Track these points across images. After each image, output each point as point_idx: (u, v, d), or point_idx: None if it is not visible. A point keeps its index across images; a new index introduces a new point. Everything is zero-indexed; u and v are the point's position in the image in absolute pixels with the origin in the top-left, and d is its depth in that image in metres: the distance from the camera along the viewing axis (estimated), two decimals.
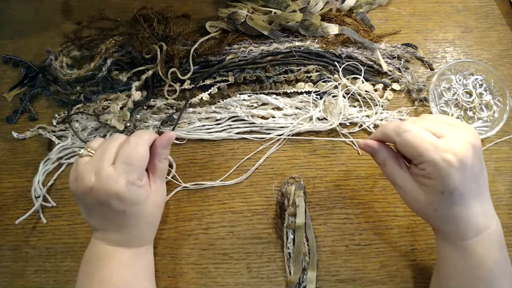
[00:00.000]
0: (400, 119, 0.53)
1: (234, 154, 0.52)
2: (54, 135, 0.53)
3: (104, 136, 0.53)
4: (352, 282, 0.47)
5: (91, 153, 0.41)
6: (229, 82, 0.54)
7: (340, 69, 0.54)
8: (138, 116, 0.53)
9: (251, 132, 0.53)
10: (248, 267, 0.47)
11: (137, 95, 0.52)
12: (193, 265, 0.48)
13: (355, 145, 0.52)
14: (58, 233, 0.49)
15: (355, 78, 0.54)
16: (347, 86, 0.53)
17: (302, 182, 0.50)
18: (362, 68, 0.55)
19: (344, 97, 0.53)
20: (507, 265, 0.38)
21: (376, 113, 0.53)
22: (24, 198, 0.51)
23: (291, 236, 0.46)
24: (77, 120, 0.54)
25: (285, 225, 0.47)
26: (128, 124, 0.51)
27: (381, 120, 0.53)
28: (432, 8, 0.61)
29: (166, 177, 0.49)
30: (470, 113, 0.54)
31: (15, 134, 0.53)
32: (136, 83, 0.52)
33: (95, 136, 0.53)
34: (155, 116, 0.54)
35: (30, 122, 0.55)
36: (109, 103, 0.54)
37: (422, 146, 0.35)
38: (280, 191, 0.49)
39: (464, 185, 0.34)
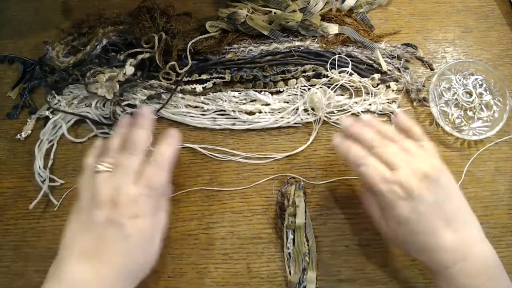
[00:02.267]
0: (389, 105, 0.54)
1: (234, 155, 0.52)
2: (48, 111, 0.54)
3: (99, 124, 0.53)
4: (352, 282, 0.47)
5: (110, 169, 0.39)
6: (225, 80, 0.55)
7: (329, 62, 0.54)
8: (129, 89, 0.54)
9: (234, 124, 0.53)
10: (248, 267, 0.47)
11: (129, 69, 0.52)
12: (193, 265, 0.48)
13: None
14: (58, 233, 0.49)
15: (342, 72, 0.54)
16: (338, 80, 0.54)
17: (302, 182, 0.50)
18: (349, 61, 0.55)
19: (328, 87, 0.53)
20: None
21: (364, 100, 0.53)
22: (24, 198, 0.51)
23: (291, 236, 0.46)
24: (71, 92, 0.55)
25: (285, 225, 0.47)
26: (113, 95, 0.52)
27: (370, 105, 0.54)
28: (432, 8, 0.61)
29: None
30: (470, 113, 0.54)
31: (19, 136, 0.53)
32: (132, 60, 0.53)
33: (85, 104, 0.54)
34: (145, 91, 0.55)
35: (30, 116, 0.55)
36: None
37: (373, 179, 0.38)
38: (280, 191, 0.49)
39: (417, 215, 0.36)
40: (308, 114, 0.53)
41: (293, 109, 0.53)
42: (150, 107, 0.52)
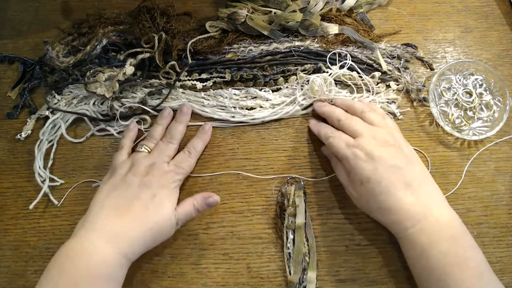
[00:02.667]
0: (388, 105, 0.54)
1: (234, 154, 0.52)
2: (48, 111, 0.54)
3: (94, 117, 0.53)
4: (352, 282, 0.47)
5: (148, 149, 0.48)
6: (225, 79, 0.55)
7: (328, 56, 0.55)
8: (129, 88, 0.55)
9: (233, 117, 0.53)
10: (248, 267, 0.47)
11: (129, 69, 0.52)
12: (193, 265, 0.48)
13: None
14: (58, 233, 0.49)
15: (342, 67, 0.54)
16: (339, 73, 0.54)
17: (302, 182, 0.50)
18: (348, 53, 0.55)
19: (329, 76, 0.53)
20: (464, 256, 0.37)
21: (364, 97, 0.54)
22: (24, 198, 0.51)
23: (291, 236, 0.46)
24: (70, 92, 0.55)
25: (285, 225, 0.47)
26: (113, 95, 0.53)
27: (370, 102, 0.54)
28: (432, 8, 0.61)
29: None
30: (470, 113, 0.54)
31: (19, 136, 0.53)
32: (132, 60, 0.53)
33: (85, 103, 0.55)
34: (145, 89, 0.55)
35: (30, 116, 0.55)
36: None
37: (338, 147, 0.44)
38: (280, 191, 0.49)
39: (377, 175, 0.39)
40: (306, 99, 0.54)
41: (292, 100, 0.54)
42: (188, 105, 0.54)
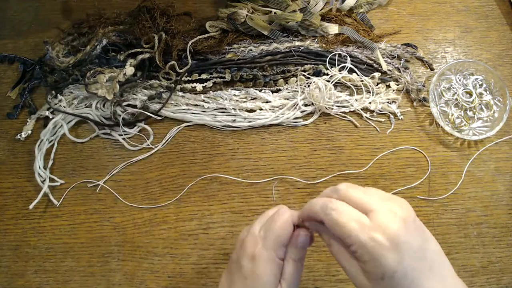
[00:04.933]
0: (388, 105, 0.54)
1: (234, 154, 0.52)
2: (48, 112, 0.54)
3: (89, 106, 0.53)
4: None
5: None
6: (225, 79, 0.55)
7: (328, 58, 0.55)
8: (129, 89, 0.55)
9: (234, 121, 0.53)
10: None
11: (129, 70, 0.52)
12: (193, 265, 0.48)
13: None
14: (58, 233, 0.49)
15: (343, 67, 0.54)
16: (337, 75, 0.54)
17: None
18: (347, 55, 0.55)
19: (328, 81, 0.53)
20: None
21: (364, 98, 0.54)
22: (24, 198, 0.51)
23: None
24: (71, 92, 0.55)
25: None
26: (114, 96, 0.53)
27: (370, 103, 0.54)
28: (432, 8, 0.61)
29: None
30: (470, 113, 0.54)
31: (19, 136, 0.53)
32: (132, 61, 0.53)
33: (85, 105, 0.55)
34: (145, 91, 0.55)
35: (30, 116, 0.55)
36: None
37: (348, 227, 0.31)
38: None
39: (404, 266, 0.30)
40: (307, 106, 0.54)
41: (293, 104, 0.53)
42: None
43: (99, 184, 0.51)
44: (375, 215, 0.31)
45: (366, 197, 0.33)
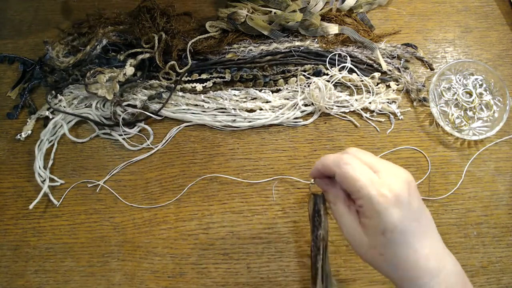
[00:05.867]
0: (388, 105, 0.54)
1: (234, 154, 0.52)
2: (48, 112, 0.54)
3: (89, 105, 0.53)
4: (352, 282, 0.47)
5: None
6: (225, 79, 0.55)
7: (328, 58, 0.55)
8: (129, 89, 0.55)
9: (234, 121, 0.53)
10: (248, 267, 0.47)
11: (129, 70, 0.52)
12: (193, 265, 0.48)
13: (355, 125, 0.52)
14: (58, 233, 0.49)
15: (343, 67, 0.54)
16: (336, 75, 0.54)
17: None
18: (347, 55, 0.55)
19: (328, 81, 0.53)
20: None
21: (364, 98, 0.54)
22: (24, 198, 0.51)
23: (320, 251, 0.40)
24: (71, 92, 0.55)
25: (319, 237, 0.40)
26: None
27: (370, 103, 0.54)
28: (432, 8, 0.61)
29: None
30: (470, 113, 0.54)
31: (19, 136, 0.53)
32: (132, 61, 0.53)
33: (85, 105, 0.55)
34: (145, 91, 0.55)
35: (30, 116, 0.55)
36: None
37: (361, 181, 0.33)
38: (316, 203, 0.40)
39: (403, 223, 0.32)
40: (307, 106, 0.54)
41: (293, 104, 0.54)
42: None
43: (99, 184, 0.51)
44: (383, 175, 0.34)
45: (374, 159, 0.35)
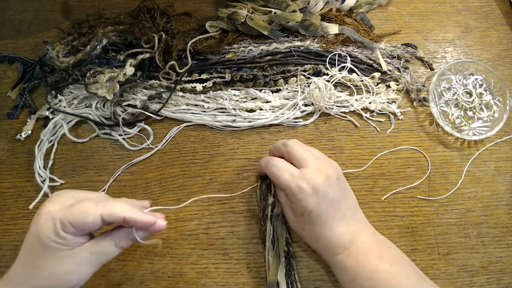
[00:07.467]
0: (388, 105, 0.54)
1: (234, 154, 0.52)
2: (48, 112, 0.54)
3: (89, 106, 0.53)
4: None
5: None
6: (225, 79, 0.55)
7: (328, 58, 0.55)
8: (129, 89, 0.55)
9: (234, 121, 0.53)
10: (248, 267, 0.47)
11: (129, 70, 0.52)
12: (193, 265, 0.48)
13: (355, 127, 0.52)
14: None
15: (343, 67, 0.54)
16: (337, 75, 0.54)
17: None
18: (347, 55, 0.55)
19: (328, 81, 0.53)
20: (394, 269, 0.39)
21: (364, 98, 0.54)
22: (24, 198, 0.51)
23: (270, 228, 0.46)
24: (71, 92, 0.55)
25: (268, 216, 0.46)
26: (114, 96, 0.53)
27: (370, 103, 0.54)
28: (432, 8, 0.61)
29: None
30: (470, 113, 0.54)
31: (19, 136, 0.53)
32: (132, 61, 0.53)
33: (85, 105, 0.55)
34: (145, 91, 0.55)
35: (30, 116, 0.55)
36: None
37: (282, 178, 0.42)
38: (263, 185, 0.48)
39: (319, 208, 0.40)
40: (307, 106, 0.54)
41: (293, 104, 0.53)
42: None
43: (104, 188, 0.51)
44: (306, 170, 0.42)
45: (304, 154, 0.43)
